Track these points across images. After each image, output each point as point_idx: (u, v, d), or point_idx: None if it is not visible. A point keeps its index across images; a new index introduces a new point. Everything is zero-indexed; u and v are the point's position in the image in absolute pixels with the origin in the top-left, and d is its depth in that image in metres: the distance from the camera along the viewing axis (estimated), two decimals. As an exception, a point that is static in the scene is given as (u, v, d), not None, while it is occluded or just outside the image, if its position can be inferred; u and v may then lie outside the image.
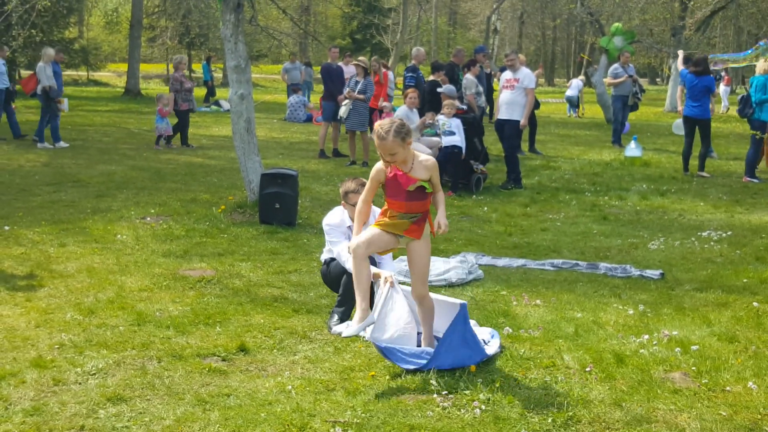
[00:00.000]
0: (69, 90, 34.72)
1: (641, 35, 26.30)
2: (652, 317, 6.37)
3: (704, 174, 13.98)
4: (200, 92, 33.27)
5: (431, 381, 5.01)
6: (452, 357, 5.23)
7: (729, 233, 9.48)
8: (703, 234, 9.46)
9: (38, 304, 6.40)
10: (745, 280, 7.48)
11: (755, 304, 6.69)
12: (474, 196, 11.84)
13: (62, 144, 16.53)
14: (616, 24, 24.53)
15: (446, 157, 11.85)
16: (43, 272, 7.35)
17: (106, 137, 18.42)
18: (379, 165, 5.43)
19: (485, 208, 10.96)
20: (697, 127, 13.99)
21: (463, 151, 11.93)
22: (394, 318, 5.47)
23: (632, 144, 15.99)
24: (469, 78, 15.07)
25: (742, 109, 13.47)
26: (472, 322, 5.97)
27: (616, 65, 18.85)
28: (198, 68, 46.26)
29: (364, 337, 5.53)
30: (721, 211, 10.97)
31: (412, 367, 5.18)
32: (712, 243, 9.07)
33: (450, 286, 7.24)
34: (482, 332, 5.82)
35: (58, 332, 5.78)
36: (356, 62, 15.58)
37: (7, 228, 9.01)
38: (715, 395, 4.85)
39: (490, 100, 19.37)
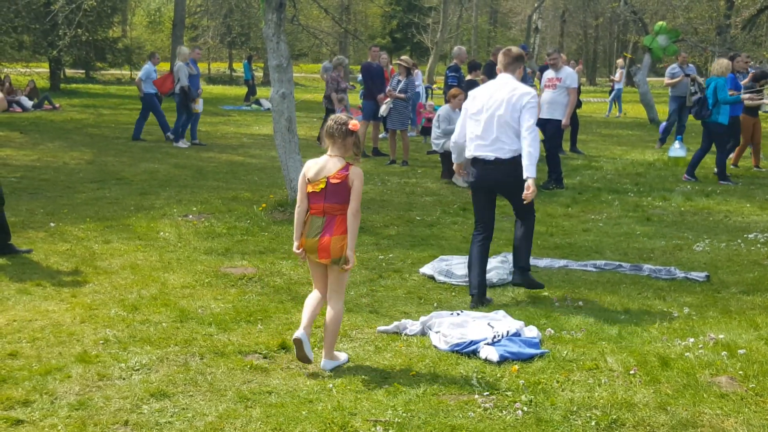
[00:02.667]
0: (112, 89, 35.23)
1: (685, 34, 25.90)
2: (697, 320, 6.28)
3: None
4: (241, 91, 33.56)
5: (473, 381, 4.99)
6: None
7: (776, 235, 9.32)
8: (750, 236, 9.30)
9: (83, 300, 6.48)
10: (792, 284, 7.34)
11: (803, 307, 6.56)
12: (515, 196, 11.75)
13: (182, 144, 16.85)
14: (660, 22, 24.21)
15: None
16: (88, 268, 7.44)
17: (149, 135, 18.55)
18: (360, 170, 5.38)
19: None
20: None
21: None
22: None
23: (676, 144, 15.79)
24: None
25: (698, 111, 13.25)
26: (520, 323, 5.95)
27: (674, 65, 18.62)
28: (239, 67, 46.64)
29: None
30: (768, 213, 10.79)
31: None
32: (758, 245, 8.92)
33: (491, 287, 7.19)
34: (530, 331, 5.82)
35: (102, 328, 5.85)
36: (398, 61, 15.57)
37: (52, 224, 9.14)
38: (762, 400, 4.76)
39: None
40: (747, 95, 14.10)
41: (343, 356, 5.41)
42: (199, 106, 16.96)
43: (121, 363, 5.19)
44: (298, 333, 5.17)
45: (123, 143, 16.93)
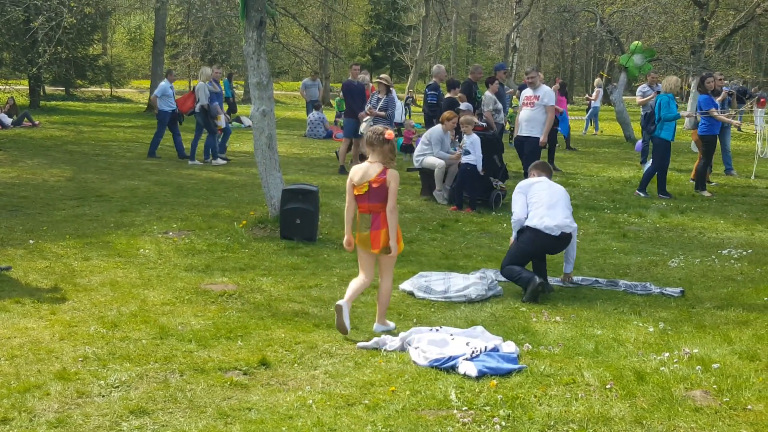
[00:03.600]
0: (92, 106, 35.15)
1: (661, 53, 26.20)
2: (672, 335, 6.36)
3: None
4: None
5: (451, 396, 5.04)
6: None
7: (749, 251, 9.46)
8: (724, 252, 9.44)
9: (62, 317, 6.48)
10: (765, 299, 7.47)
11: (776, 322, 6.66)
12: (493, 213, 11.85)
13: (220, 161, 17.00)
14: (636, 42, 24.52)
15: (463, 175, 11.92)
16: (68, 285, 7.44)
17: (129, 152, 18.59)
18: (397, 173, 6.40)
19: (504, 225, 10.96)
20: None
21: (479, 167, 11.92)
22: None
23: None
24: (487, 95, 15.13)
25: (645, 125, 13.53)
26: (498, 338, 6.02)
27: (643, 85, 18.85)
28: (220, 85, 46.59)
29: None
30: (741, 229, 10.93)
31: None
32: (732, 261, 9.05)
33: (470, 302, 7.26)
34: (508, 346, 5.89)
35: (81, 345, 5.85)
36: (378, 80, 15.66)
37: (31, 242, 9.12)
38: (736, 414, 4.84)
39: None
40: (718, 114, 14.39)
41: (391, 324, 6.45)
42: (221, 122, 17.14)
43: (100, 380, 5.19)
44: (341, 301, 6.19)
45: (103, 160, 16.90)
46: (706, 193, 13.84)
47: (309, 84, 26.56)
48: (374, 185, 6.20)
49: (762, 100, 31.83)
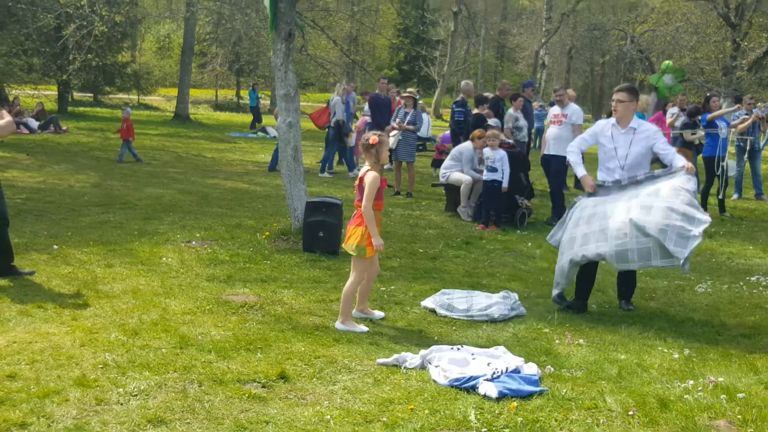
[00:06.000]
0: (120, 113, 35.40)
1: (691, 74, 26.06)
2: (697, 362, 6.25)
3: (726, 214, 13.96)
4: (247, 118, 33.75)
5: (471, 417, 4.97)
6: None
7: (779, 278, 9.31)
8: (752, 278, 9.29)
9: (84, 324, 6.48)
10: (794, 328, 7.32)
11: (804, 352, 6.53)
12: (518, 231, 11.77)
13: (327, 175, 17.39)
14: (667, 62, 24.39)
15: (488, 191, 11.85)
16: (90, 292, 7.45)
17: (155, 161, 18.69)
18: (376, 174, 6.80)
19: (529, 244, 10.90)
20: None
21: (504, 183, 11.85)
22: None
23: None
24: (510, 112, 15.08)
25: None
26: (520, 359, 5.95)
27: (674, 108, 18.73)
28: (246, 94, 46.96)
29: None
30: (771, 256, 10.78)
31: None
32: (761, 288, 8.90)
33: (492, 322, 7.19)
34: (530, 368, 5.81)
35: (102, 352, 5.84)
36: (406, 94, 15.66)
37: (55, 247, 9.16)
38: (760, 444, 4.75)
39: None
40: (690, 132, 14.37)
41: (357, 328, 6.74)
42: (351, 140, 17.52)
43: (119, 388, 5.18)
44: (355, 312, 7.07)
45: (128, 167, 17.01)
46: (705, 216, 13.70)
47: (337, 99, 26.56)
48: (357, 183, 6.88)
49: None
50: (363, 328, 6.78)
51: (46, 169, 15.82)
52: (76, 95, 40.78)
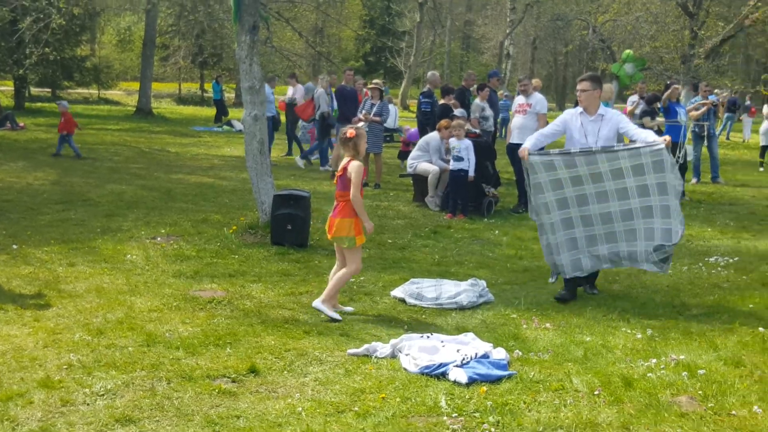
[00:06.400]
0: (79, 108, 34.96)
1: (651, 62, 26.29)
2: (659, 341, 6.37)
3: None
4: (210, 112, 33.49)
5: (441, 403, 4.99)
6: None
7: (736, 259, 9.48)
8: (711, 260, 9.46)
9: (46, 324, 6.39)
10: (751, 306, 7.49)
11: (761, 329, 6.68)
12: (485, 220, 11.82)
13: (300, 163, 17.57)
14: (627, 51, 24.59)
15: (455, 180, 11.89)
16: (52, 292, 7.35)
17: (117, 156, 18.47)
18: (360, 164, 6.95)
19: (496, 232, 10.94)
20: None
21: (470, 173, 11.86)
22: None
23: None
24: (476, 102, 15.12)
25: None
26: (489, 345, 5.98)
27: (634, 96, 18.88)
28: (210, 88, 46.63)
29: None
30: (728, 237, 10.98)
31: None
32: (719, 268, 9.08)
33: (461, 309, 7.22)
34: (498, 353, 5.87)
35: (66, 352, 5.77)
36: (372, 85, 15.63)
37: (15, 247, 9.02)
38: (720, 419, 4.85)
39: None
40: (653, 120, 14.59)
41: (332, 313, 6.83)
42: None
43: (85, 388, 5.12)
44: (315, 302, 6.92)
45: (89, 164, 16.77)
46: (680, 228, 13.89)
47: (311, 87, 26.47)
48: (338, 173, 6.98)
49: (752, 109, 32.07)
50: (337, 315, 6.85)
51: (2, 167, 15.50)
52: (34, 90, 40.03)
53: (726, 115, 29.39)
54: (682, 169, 14.33)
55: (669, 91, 14.73)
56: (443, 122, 13.00)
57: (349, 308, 7.16)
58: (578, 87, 7.78)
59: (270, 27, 10.99)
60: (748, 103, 32.91)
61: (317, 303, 6.88)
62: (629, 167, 7.20)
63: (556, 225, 7.58)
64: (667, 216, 7.29)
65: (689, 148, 16.63)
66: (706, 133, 16.57)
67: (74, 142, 17.91)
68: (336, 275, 7.02)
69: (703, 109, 16.15)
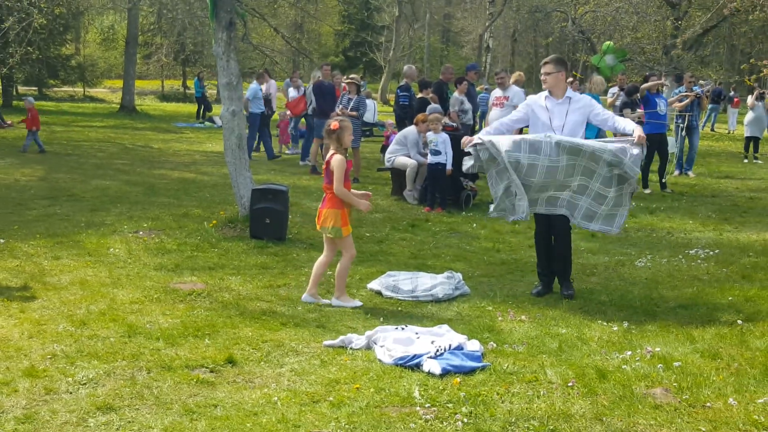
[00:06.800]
0: (65, 106, 34.91)
1: (633, 53, 26.48)
2: (636, 334, 6.46)
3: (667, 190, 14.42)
4: (192, 108, 33.50)
5: (414, 394, 5.11)
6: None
7: (717, 251, 9.59)
8: (691, 252, 9.57)
9: (31, 316, 6.49)
10: (730, 298, 7.56)
11: (739, 321, 6.75)
12: (463, 213, 11.95)
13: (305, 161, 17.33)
14: (608, 42, 24.78)
15: (433, 174, 12.02)
16: (37, 284, 7.45)
17: (101, 152, 18.53)
18: (342, 157, 7.04)
19: (474, 225, 11.08)
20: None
21: (448, 166, 12.00)
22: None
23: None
24: (455, 96, 15.24)
25: None
26: (463, 337, 6.11)
27: (614, 88, 19.06)
28: (192, 84, 46.58)
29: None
30: (710, 230, 11.09)
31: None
32: (699, 261, 9.18)
33: (437, 302, 7.34)
34: (473, 344, 5.98)
35: (50, 343, 5.87)
36: (349, 80, 15.72)
37: (2, 241, 9.11)
38: (695, 411, 4.92)
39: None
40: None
41: (351, 303, 7.13)
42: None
43: (68, 377, 5.22)
44: (304, 296, 7.24)
45: (75, 160, 16.84)
46: (647, 191, 14.12)
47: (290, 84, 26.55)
48: (324, 166, 7.15)
49: (736, 100, 32.34)
50: (357, 302, 7.20)
51: (-11, 164, 15.60)
52: (21, 89, 40.02)
53: (710, 106, 29.66)
54: (664, 160, 14.54)
55: (648, 83, 14.88)
56: (420, 116, 13.13)
57: (326, 300, 7.29)
58: (542, 70, 7.57)
59: (247, 24, 11.10)
60: (732, 93, 33.13)
61: (334, 301, 7.17)
62: (583, 165, 7.09)
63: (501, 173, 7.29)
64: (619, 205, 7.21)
65: (671, 139, 16.83)
66: (686, 124, 16.72)
67: (26, 137, 18.13)
68: (336, 270, 7.21)
69: (687, 100, 16.33)
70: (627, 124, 7.30)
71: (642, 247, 9.85)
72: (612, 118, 7.41)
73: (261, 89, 18.46)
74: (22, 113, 28.85)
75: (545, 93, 7.53)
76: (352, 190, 7.19)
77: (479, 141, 7.32)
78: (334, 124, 7.13)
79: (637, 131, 7.11)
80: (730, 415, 4.86)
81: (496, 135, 7.40)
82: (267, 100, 19.37)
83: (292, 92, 19.55)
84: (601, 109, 7.52)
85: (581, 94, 12.27)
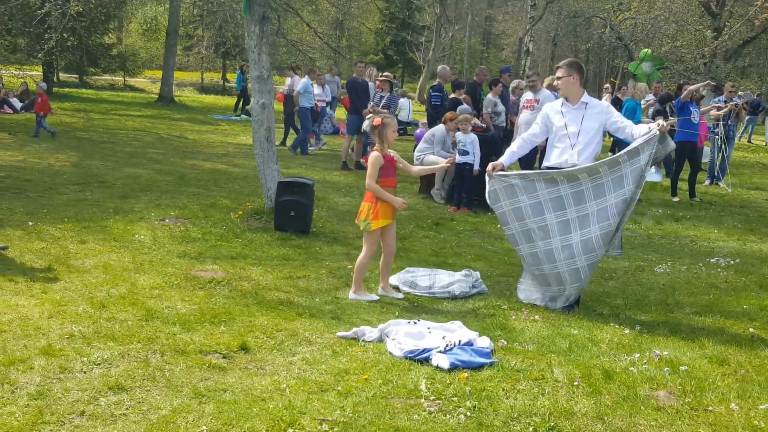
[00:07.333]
0: (105, 94, 35.39)
1: (671, 62, 26.26)
2: (646, 337, 6.47)
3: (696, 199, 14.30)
4: (230, 101, 33.78)
5: (421, 387, 5.18)
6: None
7: (737, 260, 9.55)
8: (712, 260, 9.54)
9: (53, 297, 6.65)
10: (745, 307, 7.56)
11: (751, 330, 6.76)
12: (489, 213, 11.93)
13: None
14: (645, 50, 24.62)
15: (460, 174, 12.06)
16: (61, 267, 7.62)
17: (136, 141, 18.79)
18: (377, 153, 7.21)
19: (498, 226, 10.97)
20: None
21: (476, 166, 12.04)
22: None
23: (652, 168, 16.04)
24: (488, 97, 15.26)
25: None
26: (474, 333, 6.17)
27: (650, 95, 18.96)
28: (232, 77, 46.96)
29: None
30: (734, 239, 11.03)
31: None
32: (719, 269, 9.15)
33: (453, 299, 7.40)
34: (483, 341, 6.03)
35: (69, 323, 6.02)
36: (383, 77, 15.81)
37: (30, 223, 9.31)
38: (696, 414, 4.95)
39: None
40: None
41: (367, 297, 7.23)
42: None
43: (83, 357, 5.35)
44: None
45: (110, 148, 17.11)
46: (675, 199, 14.02)
47: (328, 80, 26.71)
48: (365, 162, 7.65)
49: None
50: (373, 296, 7.29)
51: (26, 149, 15.91)
52: (62, 76, 40.71)
53: (747, 117, 29.33)
54: (695, 169, 14.44)
55: (697, 85, 14.79)
56: (448, 114, 13.17)
57: (398, 294, 7.47)
58: (556, 74, 7.49)
59: (281, 18, 11.22)
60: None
61: (351, 295, 7.27)
62: (591, 188, 6.88)
63: (548, 253, 7.10)
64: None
65: (706, 149, 16.72)
66: (722, 134, 16.59)
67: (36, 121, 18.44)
68: (356, 263, 7.36)
69: (725, 109, 16.21)
70: (642, 129, 7.02)
71: (663, 254, 9.82)
72: (629, 126, 7.16)
73: (311, 84, 18.79)
74: (63, 99, 29.54)
75: (561, 100, 7.39)
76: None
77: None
78: (376, 120, 7.24)
79: (654, 126, 6.81)
80: (731, 420, 4.87)
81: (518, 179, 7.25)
82: (290, 96, 19.58)
83: (316, 89, 19.70)
84: (618, 116, 7.28)
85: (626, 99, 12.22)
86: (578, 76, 7.28)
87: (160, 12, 47.85)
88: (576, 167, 6.99)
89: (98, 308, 6.42)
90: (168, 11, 35.78)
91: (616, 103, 17.45)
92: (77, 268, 7.60)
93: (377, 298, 7.26)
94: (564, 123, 7.27)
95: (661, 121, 6.86)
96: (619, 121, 7.23)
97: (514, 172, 7.35)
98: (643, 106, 18.29)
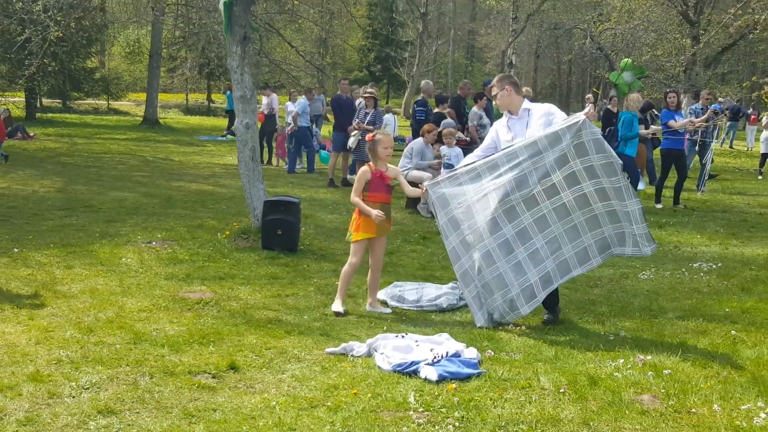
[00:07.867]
0: (89, 118, 35.37)
1: (652, 71, 26.48)
2: (631, 343, 6.55)
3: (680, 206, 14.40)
4: (218, 122, 33.84)
5: (410, 399, 5.22)
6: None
7: (720, 265, 9.66)
8: (695, 265, 9.64)
9: (40, 323, 6.66)
10: (727, 310, 7.66)
11: (733, 332, 6.85)
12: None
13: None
14: (626, 59, 24.83)
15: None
16: (48, 293, 7.63)
17: (121, 164, 18.82)
18: (365, 168, 7.33)
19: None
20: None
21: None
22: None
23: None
24: (473, 111, 15.35)
25: (608, 141, 13.94)
26: (462, 345, 6.21)
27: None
28: (217, 98, 47.09)
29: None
30: (716, 244, 11.15)
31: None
32: (701, 274, 9.25)
33: (441, 312, 7.45)
34: (470, 352, 6.07)
35: (56, 349, 6.02)
36: (366, 94, 15.90)
37: (16, 250, 9.31)
38: (680, 416, 5.02)
39: None
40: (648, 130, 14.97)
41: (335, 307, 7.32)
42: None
43: (72, 382, 5.37)
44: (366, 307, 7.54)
45: (94, 172, 17.12)
46: (659, 206, 14.14)
47: (317, 98, 26.81)
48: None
49: (753, 117, 32.24)
50: (340, 309, 7.31)
51: (10, 175, 15.89)
52: (45, 101, 40.66)
53: (728, 123, 29.60)
54: (682, 176, 14.55)
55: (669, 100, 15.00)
56: (426, 126, 13.28)
57: (386, 309, 7.53)
58: (492, 94, 7.36)
59: (263, 38, 11.29)
60: (750, 110, 33.06)
61: (333, 307, 7.37)
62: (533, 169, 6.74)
63: (486, 256, 6.94)
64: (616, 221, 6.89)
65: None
66: (700, 141, 16.79)
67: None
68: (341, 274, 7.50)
69: (703, 117, 16.38)
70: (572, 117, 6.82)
71: (647, 260, 9.87)
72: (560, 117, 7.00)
73: (308, 103, 18.96)
74: (46, 125, 29.53)
75: (506, 113, 7.21)
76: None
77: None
78: (368, 135, 7.41)
79: (581, 114, 6.76)
80: (714, 421, 4.95)
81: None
82: (270, 115, 19.66)
83: (291, 106, 19.68)
84: (556, 110, 7.09)
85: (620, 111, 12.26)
86: (511, 88, 7.13)
87: (143, 34, 47.88)
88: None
89: (86, 333, 6.44)
90: (150, 33, 35.89)
91: (609, 115, 17.54)
92: (64, 294, 7.61)
93: (341, 311, 7.28)
94: (512, 136, 7.11)
95: (588, 109, 6.87)
96: (554, 115, 7.03)
97: (459, 166, 7.27)
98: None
